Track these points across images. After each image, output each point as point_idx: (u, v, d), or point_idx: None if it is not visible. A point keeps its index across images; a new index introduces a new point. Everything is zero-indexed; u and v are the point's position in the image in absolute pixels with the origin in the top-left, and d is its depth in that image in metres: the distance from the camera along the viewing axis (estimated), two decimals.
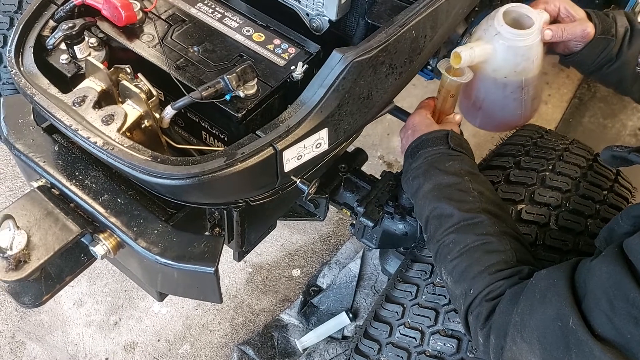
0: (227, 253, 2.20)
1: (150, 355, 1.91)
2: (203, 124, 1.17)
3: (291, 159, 1.07)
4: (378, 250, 1.98)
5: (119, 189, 1.15)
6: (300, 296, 2.02)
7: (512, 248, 0.97)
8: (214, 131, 1.17)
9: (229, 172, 1.00)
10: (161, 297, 1.33)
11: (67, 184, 1.14)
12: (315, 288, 2.05)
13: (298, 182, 1.13)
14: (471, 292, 0.95)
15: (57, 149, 1.19)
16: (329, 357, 1.84)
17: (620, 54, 1.19)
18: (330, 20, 1.19)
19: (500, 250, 0.96)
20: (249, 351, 1.88)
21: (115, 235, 1.12)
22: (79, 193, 1.13)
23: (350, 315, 1.89)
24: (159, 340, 1.94)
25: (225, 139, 1.14)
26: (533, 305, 0.82)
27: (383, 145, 2.52)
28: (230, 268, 2.13)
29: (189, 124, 1.20)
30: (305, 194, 1.13)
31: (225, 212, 1.18)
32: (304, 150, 1.08)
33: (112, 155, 1.00)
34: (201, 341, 1.94)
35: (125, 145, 1.01)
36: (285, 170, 1.08)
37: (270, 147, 1.02)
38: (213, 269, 1.05)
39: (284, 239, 2.22)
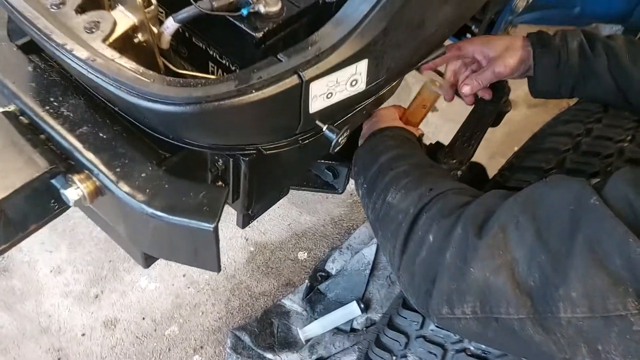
0: (225, 225, 2.00)
1: (133, 334, 1.69)
2: (211, 52, 0.96)
3: (319, 96, 0.86)
4: None
5: (103, 121, 0.94)
6: (306, 281, 1.80)
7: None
8: (224, 62, 0.96)
9: (240, 101, 0.78)
10: (147, 262, 1.11)
11: (39, 110, 0.92)
12: (323, 273, 1.83)
13: (325, 128, 0.91)
14: (430, 191, 0.85)
15: (31, 70, 0.97)
16: (335, 351, 1.62)
17: (587, 64, 1.05)
18: None
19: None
20: (245, 337, 1.66)
21: (93, 178, 0.90)
22: (52, 122, 0.91)
23: (362, 306, 1.67)
24: (143, 319, 1.72)
25: (237, 71, 0.93)
26: (542, 192, 0.71)
27: None
28: (230, 245, 1.91)
29: (194, 54, 0.99)
30: (332, 144, 0.91)
31: (231, 160, 0.96)
32: (335, 86, 0.86)
33: (93, 68, 0.79)
34: (191, 323, 1.73)
35: (110, 57, 0.80)
36: (311, 111, 0.87)
37: (295, 75, 0.80)
38: (213, 225, 0.83)
39: (292, 218, 2.01)
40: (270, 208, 2.04)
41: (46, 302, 1.73)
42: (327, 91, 0.86)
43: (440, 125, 2.33)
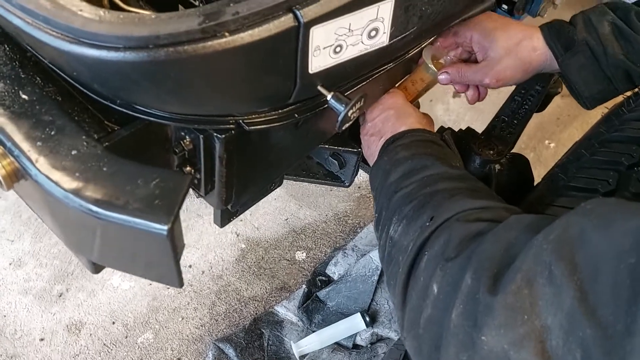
0: (210, 217, 1.76)
1: (100, 341, 1.45)
2: None
3: (323, 50, 0.61)
4: None
5: (28, 79, 0.69)
6: (304, 286, 1.55)
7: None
8: (197, 3, 0.71)
9: (206, 48, 0.53)
10: (95, 267, 0.86)
11: None
12: (324, 278, 1.58)
13: (330, 96, 0.66)
14: (431, 220, 0.64)
15: None
16: None
17: (631, 45, 0.81)
18: None
19: (488, 193, 0.71)
20: (229, 351, 1.42)
21: (9, 157, 0.66)
22: None
23: (367, 319, 1.43)
24: (113, 323, 1.49)
25: None
26: (584, 230, 0.47)
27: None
28: (217, 241, 1.67)
29: None
30: (340, 118, 0.65)
31: (201, 138, 0.71)
32: (347, 35, 0.61)
33: None
34: (168, 330, 1.49)
35: None
36: (311, 70, 0.62)
37: (290, 15, 0.55)
38: (166, 226, 0.58)
39: (290, 212, 1.76)
40: (266, 200, 1.80)
41: (1, 299, 1.49)
42: (335, 42, 0.61)
43: (462, 114, 2.08)
